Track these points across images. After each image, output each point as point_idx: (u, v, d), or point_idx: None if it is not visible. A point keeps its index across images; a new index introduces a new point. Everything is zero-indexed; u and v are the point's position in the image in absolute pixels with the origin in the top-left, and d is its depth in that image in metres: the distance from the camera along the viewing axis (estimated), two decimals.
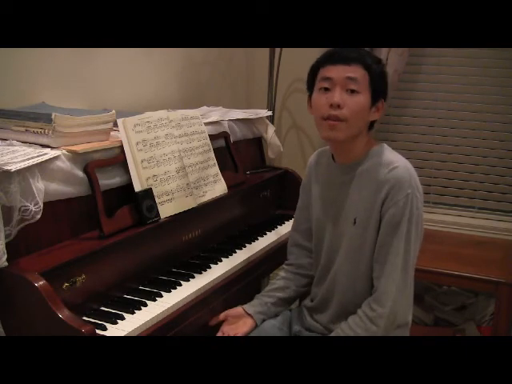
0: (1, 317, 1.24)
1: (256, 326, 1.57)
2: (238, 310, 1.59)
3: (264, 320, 1.59)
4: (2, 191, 1.21)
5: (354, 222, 1.44)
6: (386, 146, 1.48)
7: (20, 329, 1.24)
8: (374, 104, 1.42)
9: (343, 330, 1.41)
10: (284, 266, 1.70)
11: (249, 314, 1.57)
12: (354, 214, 1.45)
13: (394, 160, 1.42)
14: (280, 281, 1.66)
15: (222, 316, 1.58)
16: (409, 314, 1.44)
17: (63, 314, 1.17)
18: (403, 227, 1.36)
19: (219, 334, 1.55)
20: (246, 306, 1.60)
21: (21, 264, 1.25)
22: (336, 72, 1.38)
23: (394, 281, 1.37)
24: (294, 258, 1.68)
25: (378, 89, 1.41)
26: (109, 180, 1.50)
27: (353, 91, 1.38)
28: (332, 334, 1.44)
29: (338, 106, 1.37)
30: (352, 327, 1.39)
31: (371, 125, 1.48)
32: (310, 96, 1.47)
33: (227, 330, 1.54)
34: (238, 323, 1.56)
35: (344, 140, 1.41)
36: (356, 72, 1.38)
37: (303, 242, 1.66)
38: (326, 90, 1.40)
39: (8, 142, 1.43)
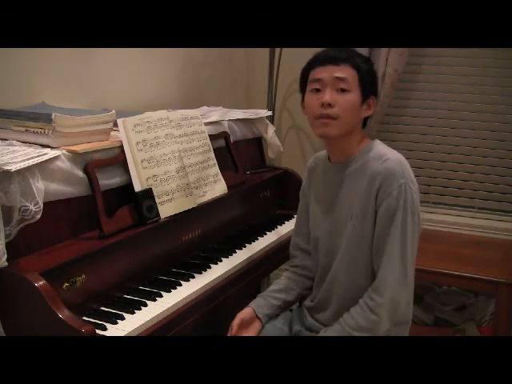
0: (1, 317, 1.24)
1: (262, 327, 1.56)
2: (249, 311, 1.56)
3: (267, 321, 1.59)
4: (2, 191, 1.21)
5: (351, 218, 1.45)
6: (378, 141, 1.50)
7: (20, 329, 1.24)
8: (364, 101, 1.44)
9: (345, 320, 1.41)
10: (289, 267, 1.69)
11: (258, 318, 1.56)
12: (350, 209, 1.45)
13: (386, 152, 1.43)
14: (285, 281, 1.65)
15: (236, 322, 1.52)
16: (409, 311, 1.44)
17: (63, 314, 1.17)
18: (398, 217, 1.37)
19: (232, 333, 1.51)
20: (255, 308, 1.57)
21: (21, 264, 1.25)
22: (325, 73, 1.41)
23: (391, 270, 1.37)
24: (298, 260, 1.68)
25: (368, 87, 1.44)
26: (109, 180, 1.50)
27: (343, 90, 1.40)
28: (334, 325, 1.43)
29: (329, 105, 1.40)
30: (354, 317, 1.39)
31: (364, 122, 1.50)
32: (302, 98, 1.50)
33: (240, 332, 1.52)
34: (248, 327, 1.54)
35: (337, 136, 1.43)
36: (345, 72, 1.40)
37: (305, 245, 1.66)
38: (318, 91, 1.43)
39: (8, 142, 1.43)
